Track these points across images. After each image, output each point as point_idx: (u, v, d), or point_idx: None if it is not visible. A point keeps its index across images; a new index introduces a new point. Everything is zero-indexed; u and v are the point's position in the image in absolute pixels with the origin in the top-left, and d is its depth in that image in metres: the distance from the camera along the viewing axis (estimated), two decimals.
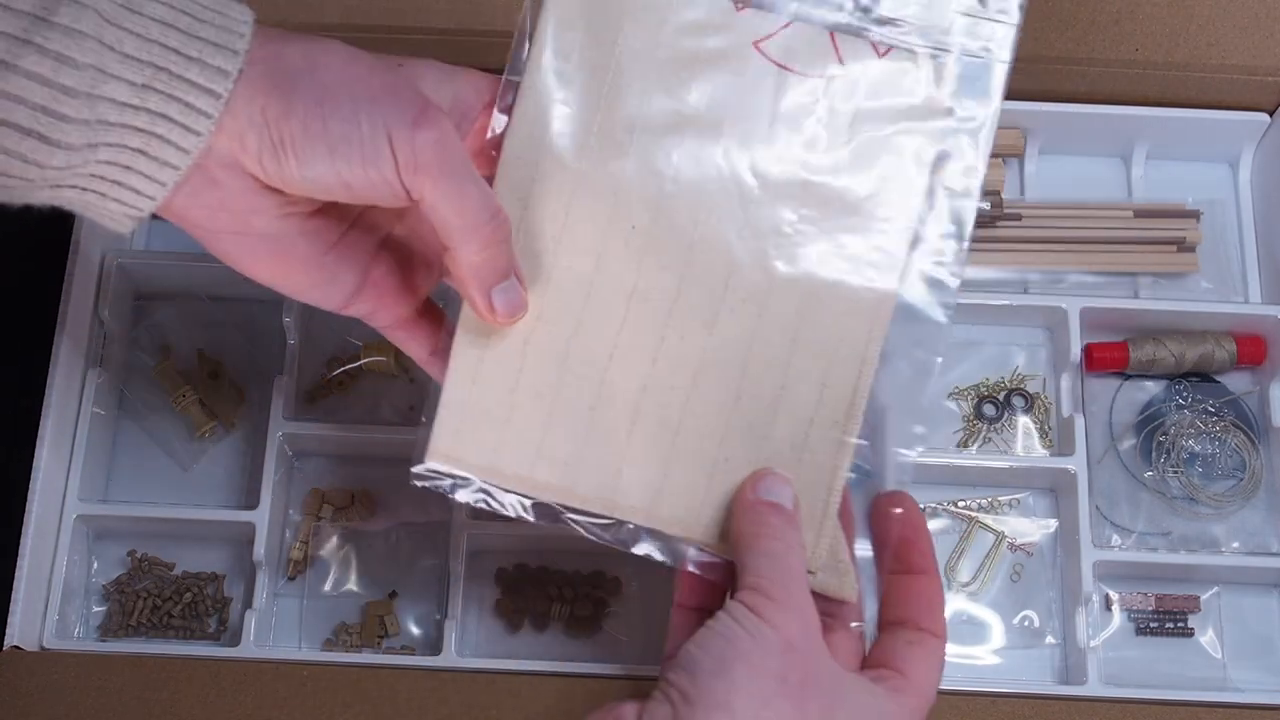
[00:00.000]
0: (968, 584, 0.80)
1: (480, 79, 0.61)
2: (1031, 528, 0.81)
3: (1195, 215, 0.86)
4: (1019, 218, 0.85)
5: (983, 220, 0.84)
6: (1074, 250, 0.85)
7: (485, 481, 0.59)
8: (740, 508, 0.58)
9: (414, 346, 0.63)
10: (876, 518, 0.60)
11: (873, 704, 0.54)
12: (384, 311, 0.62)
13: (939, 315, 0.59)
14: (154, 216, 0.55)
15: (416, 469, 0.60)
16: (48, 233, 0.81)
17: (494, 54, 0.83)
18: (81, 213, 0.55)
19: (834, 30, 0.60)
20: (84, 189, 0.53)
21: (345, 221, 0.59)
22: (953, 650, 0.79)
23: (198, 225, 0.56)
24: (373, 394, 0.83)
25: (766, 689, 0.51)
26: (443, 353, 0.60)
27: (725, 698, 0.51)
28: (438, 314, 0.63)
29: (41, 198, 0.53)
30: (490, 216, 0.55)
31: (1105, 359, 0.83)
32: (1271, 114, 0.86)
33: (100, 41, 0.50)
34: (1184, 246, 0.86)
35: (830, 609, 0.58)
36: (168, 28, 0.52)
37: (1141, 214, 0.86)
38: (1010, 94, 0.84)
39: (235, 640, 0.76)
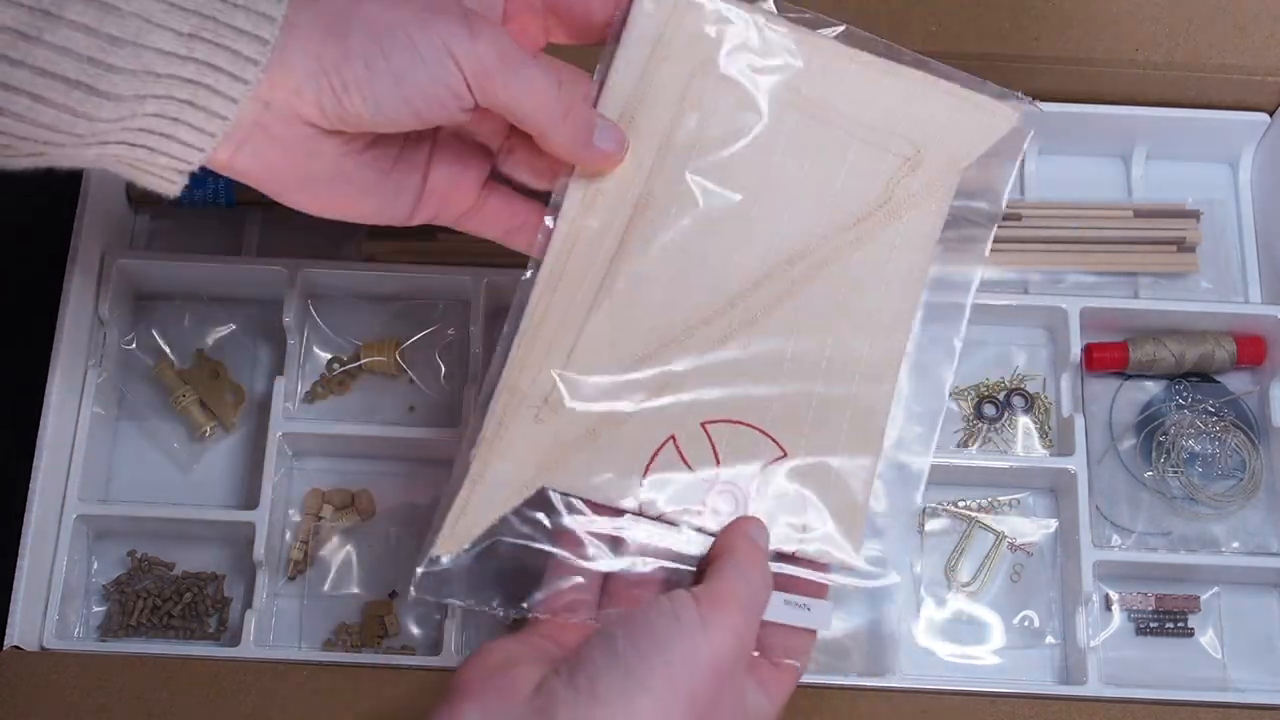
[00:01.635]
0: (968, 584, 0.80)
1: None
2: (1031, 528, 0.81)
3: (1195, 215, 0.86)
4: (1019, 218, 0.85)
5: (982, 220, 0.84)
6: (1074, 250, 0.85)
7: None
8: (731, 528, 0.60)
9: (487, 229, 0.64)
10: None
11: None
12: (450, 208, 0.63)
13: None
14: (195, 184, 0.54)
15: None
16: (48, 233, 0.81)
17: None
18: (128, 174, 0.55)
19: None
20: (132, 144, 0.53)
21: (398, 142, 0.60)
22: (953, 650, 0.79)
23: (259, 180, 0.57)
24: (373, 394, 0.83)
25: (674, 708, 0.51)
26: (519, 231, 0.64)
27: (632, 707, 0.50)
28: (503, 192, 0.64)
29: (88, 157, 0.53)
30: (558, 89, 0.57)
31: (1105, 359, 0.83)
32: (1271, 114, 0.86)
33: None
34: (1184, 246, 0.86)
35: (777, 641, 0.59)
36: None
37: (1141, 214, 0.86)
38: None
39: (235, 640, 0.76)
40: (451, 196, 0.63)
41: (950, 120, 0.63)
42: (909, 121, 0.63)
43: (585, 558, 0.59)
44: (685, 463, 0.60)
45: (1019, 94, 0.64)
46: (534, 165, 0.63)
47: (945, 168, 0.63)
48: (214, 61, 0.52)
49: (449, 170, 0.62)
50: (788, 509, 0.61)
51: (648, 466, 0.60)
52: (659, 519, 0.60)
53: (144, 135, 0.53)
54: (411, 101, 0.54)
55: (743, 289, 0.62)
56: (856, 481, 0.61)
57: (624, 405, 0.60)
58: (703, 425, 0.61)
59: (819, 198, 0.63)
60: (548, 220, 0.62)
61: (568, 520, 0.59)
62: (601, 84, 0.62)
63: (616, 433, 0.60)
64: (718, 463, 0.60)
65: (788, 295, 0.62)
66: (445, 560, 0.59)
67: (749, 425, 0.61)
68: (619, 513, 0.60)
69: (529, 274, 0.61)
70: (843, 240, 0.62)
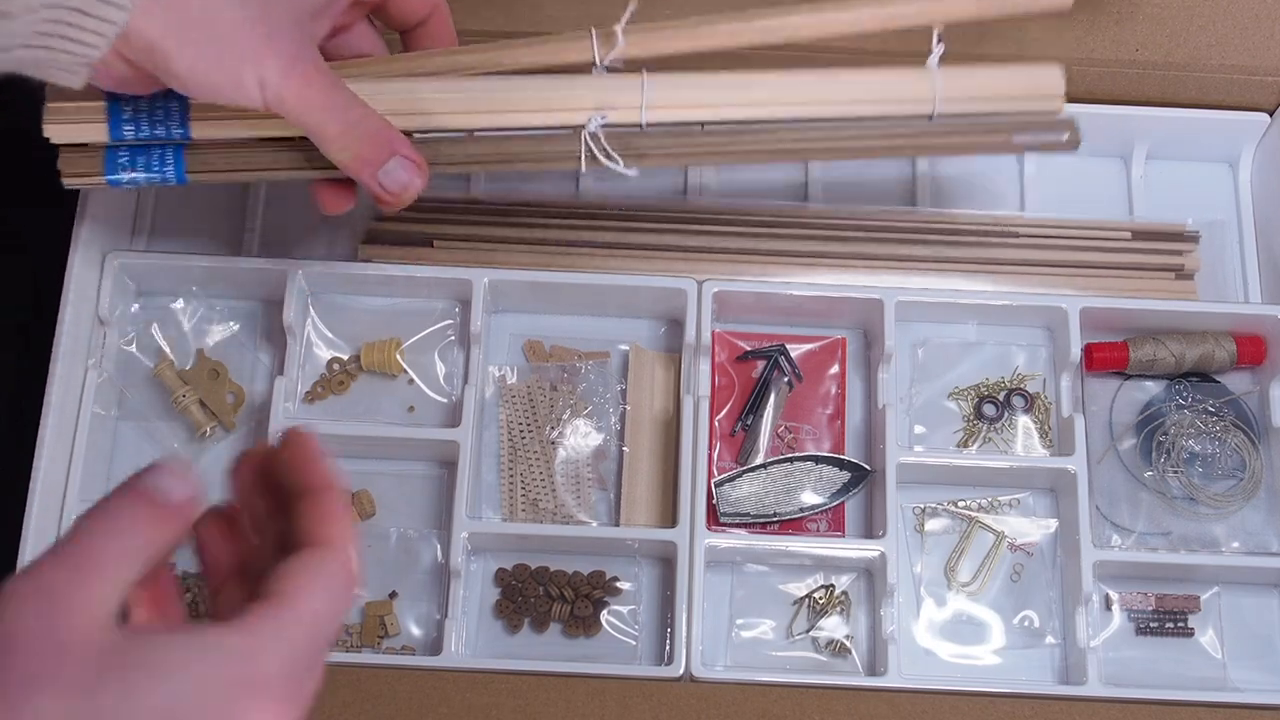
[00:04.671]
0: (968, 584, 0.80)
1: None
2: (1031, 528, 0.81)
3: (1194, 239, 0.86)
4: (1015, 236, 0.85)
5: (979, 240, 0.84)
6: (1071, 274, 0.84)
7: None
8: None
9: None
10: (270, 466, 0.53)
11: (199, 655, 0.43)
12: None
13: None
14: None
15: None
16: (48, 233, 0.81)
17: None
18: (36, 73, 0.61)
19: None
20: (33, 46, 0.59)
21: None
22: (953, 650, 0.79)
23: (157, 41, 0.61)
24: (373, 394, 0.83)
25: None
26: None
27: None
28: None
29: (3, 63, 0.59)
30: (347, 127, 0.65)
31: (1105, 359, 0.83)
32: (1271, 114, 0.86)
33: None
34: (1182, 274, 0.85)
35: None
36: None
37: (1140, 235, 0.86)
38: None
39: None
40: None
41: None
42: None
43: None
44: None
45: None
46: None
47: None
48: None
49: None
50: None
51: None
52: None
53: (43, 38, 0.59)
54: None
55: None
56: None
57: None
58: None
59: None
60: None
61: None
62: None
63: None
64: None
65: None
66: None
67: None
68: None
69: None
70: None
